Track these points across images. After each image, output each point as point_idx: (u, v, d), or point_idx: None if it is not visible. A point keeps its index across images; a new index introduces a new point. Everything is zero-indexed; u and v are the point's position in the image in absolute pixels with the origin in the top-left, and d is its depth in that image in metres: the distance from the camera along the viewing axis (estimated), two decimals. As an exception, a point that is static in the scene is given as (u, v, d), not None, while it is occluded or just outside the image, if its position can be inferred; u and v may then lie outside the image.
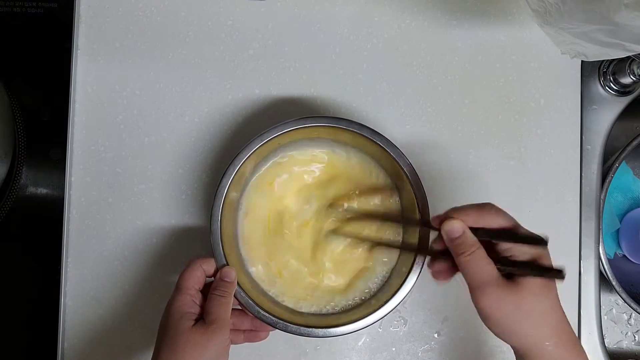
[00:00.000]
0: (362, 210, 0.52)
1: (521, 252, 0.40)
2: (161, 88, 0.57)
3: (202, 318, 0.44)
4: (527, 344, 0.40)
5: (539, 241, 0.40)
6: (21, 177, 0.56)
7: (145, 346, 0.55)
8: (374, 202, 0.53)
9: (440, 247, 0.44)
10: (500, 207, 0.42)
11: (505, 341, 0.41)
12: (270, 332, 0.50)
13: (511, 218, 0.41)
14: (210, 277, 0.47)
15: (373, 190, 0.53)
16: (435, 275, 0.44)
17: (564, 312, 0.41)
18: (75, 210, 0.55)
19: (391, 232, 0.53)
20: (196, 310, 0.45)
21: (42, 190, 0.56)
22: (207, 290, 0.47)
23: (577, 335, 0.57)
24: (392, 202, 0.53)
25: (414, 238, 0.49)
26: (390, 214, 0.52)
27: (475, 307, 0.40)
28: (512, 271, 0.40)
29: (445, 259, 0.43)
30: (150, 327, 0.55)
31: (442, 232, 0.41)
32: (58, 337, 0.54)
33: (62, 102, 0.55)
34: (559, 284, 0.40)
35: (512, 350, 0.42)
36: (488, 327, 0.40)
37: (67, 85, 0.55)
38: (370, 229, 0.52)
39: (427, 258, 0.46)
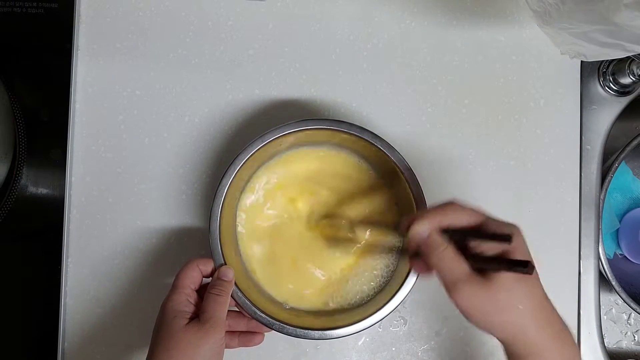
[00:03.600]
0: (361, 217, 0.52)
1: (489, 247, 0.41)
2: (161, 88, 0.57)
3: (197, 317, 0.44)
4: (508, 335, 0.40)
5: (504, 238, 0.40)
6: (21, 177, 0.56)
7: (145, 345, 0.55)
8: (372, 208, 0.53)
9: (414, 249, 0.44)
10: (464, 202, 0.42)
11: (488, 333, 0.41)
12: (270, 331, 0.50)
13: (477, 213, 0.41)
14: (207, 277, 0.47)
15: (372, 195, 0.53)
16: (418, 271, 0.45)
17: (545, 299, 0.40)
18: (75, 210, 0.55)
19: (389, 237, 0.53)
20: (191, 309, 0.45)
21: (42, 190, 0.56)
22: (203, 290, 0.46)
23: (577, 331, 0.58)
24: (389, 207, 0.53)
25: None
26: (384, 220, 0.53)
27: (454, 303, 0.40)
28: (482, 266, 0.40)
29: (422, 257, 0.43)
30: (150, 326, 0.55)
31: (410, 238, 0.42)
32: (58, 337, 0.54)
33: (62, 102, 0.55)
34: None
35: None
36: (469, 322, 0.40)
37: (67, 85, 0.55)
38: (369, 233, 0.53)
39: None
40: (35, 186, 0.56)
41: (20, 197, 0.55)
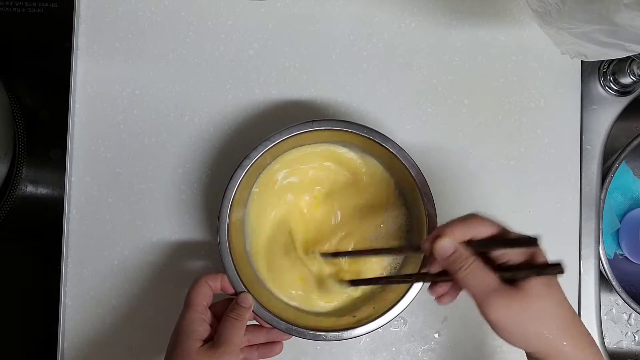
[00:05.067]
0: (363, 247, 0.52)
1: (515, 254, 0.40)
2: (161, 88, 0.57)
3: (212, 339, 0.44)
4: (543, 346, 0.39)
5: (530, 241, 0.39)
6: (21, 177, 0.56)
7: (146, 346, 0.55)
8: (380, 220, 0.53)
9: (437, 269, 0.44)
10: (484, 214, 0.41)
11: (521, 348, 0.40)
12: (291, 338, 0.49)
13: (498, 224, 0.41)
14: (217, 292, 0.47)
15: (379, 204, 0.53)
16: (439, 299, 0.44)
17: (572, 308, 0.40)
18: (75, 210, 0.55)
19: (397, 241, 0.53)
20: (205, 328, 0.44)
21: (42, 190, 0.56)
22: (215, 308, 0.47)
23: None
24: (398, 216, 0.53)
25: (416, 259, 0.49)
26: (392, 249, 0.53)
27: (486, 319, 0.39)
28: (512, 276, 0.39)
29: (445, 281, 0.43)
30: (150, 326, 0.55)
31: (435, 254, 0.41)
32: (58, 337, 0.54)
33: (62, 102, 0.55)
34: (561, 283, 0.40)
35: (525, 354, 0.42)
36: (502, 337, 0.39)
37: (67, 85, 0.55)
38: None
39: (427, 285, 0.46)
40: (35, 186, 0.56)
41: (20, 197, 0.55)
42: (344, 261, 0.52)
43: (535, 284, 0.38)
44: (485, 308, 0.38)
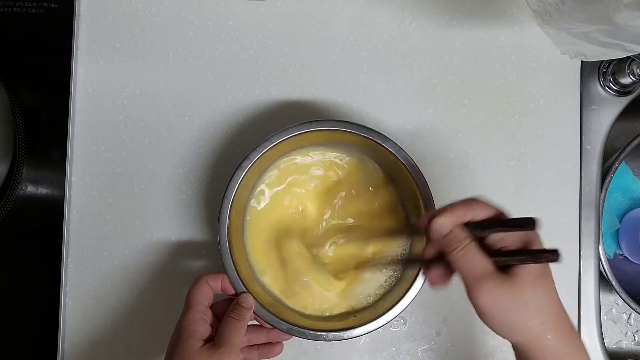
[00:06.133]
0: (368, 228, 0.52)
1: (512, 240, 0.40)
2: (161, 88, 0.57)
3: (213, 339, 0.44)
4: (527, 338, 0.39)
5: (529, 222, 0.38)
6: (21, 177, 0.56)
7: (145, 346, 0.55)
8: (378, 208, 0.53)
9: (433, 251, 0.43)
10: (485, 198, 0.41)
11: (504, 337, 0.40)
12: (292, 338, 0.49)
13: (497, 208, 0.41)
14: (217, 292, 0.47)
15: (379, 205, 0.53)
16: (433, 281, 0.43)
17: (561, 302, 0.40)
18: (75, 210, 0.55)
19: (398, 244, 0.53)
20: (206, 328, 0.44)
21: (42, 190, 0.56)
22: (216, 308, 0.47)
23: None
24: (394, 208, 0.53)
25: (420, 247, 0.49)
26: (394, 228, 0.52)
27: (473, 303, 0.39)
28: (507, 261, 0.39)
29: (440, 264, 0.42)
30: (150, 326, 0.55)
31: (431, 232, 0.40)
32: (58, 337, 0.54)
33: (62, 102, 0.55)
34: (557, 279, 0.40)
35: (513, 350, 0.42)
36: (487, 324, 0.39)
37: (67, 85, 0.55)
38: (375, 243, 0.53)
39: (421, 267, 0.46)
40: (35, 186, 0.56)
41: (20, 197, 0.55)
42: (345, 261, 0.52)
43: (529, 273, 0.38)
44: (475, 292, 0.38)
